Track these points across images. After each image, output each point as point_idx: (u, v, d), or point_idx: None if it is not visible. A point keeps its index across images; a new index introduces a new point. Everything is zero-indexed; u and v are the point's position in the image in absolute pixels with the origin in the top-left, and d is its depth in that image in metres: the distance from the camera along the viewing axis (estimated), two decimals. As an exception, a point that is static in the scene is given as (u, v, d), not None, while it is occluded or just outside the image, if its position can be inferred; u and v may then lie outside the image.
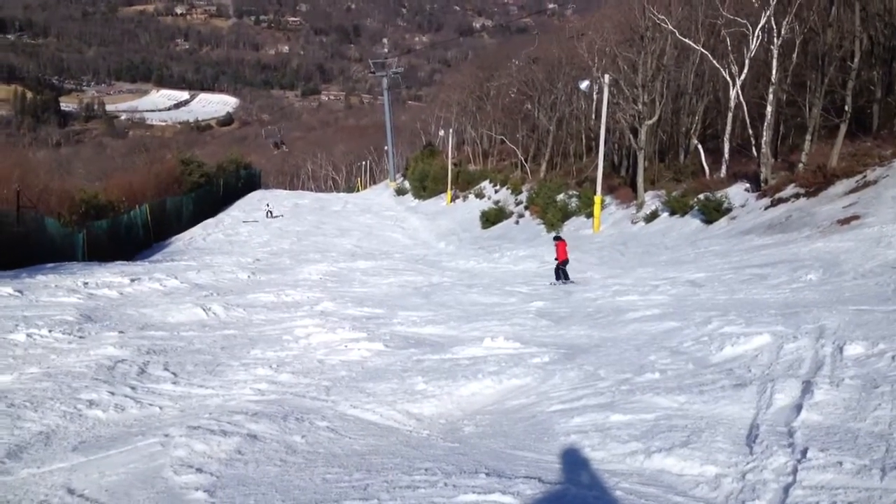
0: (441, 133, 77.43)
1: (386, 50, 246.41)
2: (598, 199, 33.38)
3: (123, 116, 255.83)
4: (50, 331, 10.96)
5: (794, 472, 4.81)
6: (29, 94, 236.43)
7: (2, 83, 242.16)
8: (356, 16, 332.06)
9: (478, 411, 7.62)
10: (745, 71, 29.56)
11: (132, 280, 17.36)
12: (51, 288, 15.49)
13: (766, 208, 24.53)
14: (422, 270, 22.52)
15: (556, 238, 20.57)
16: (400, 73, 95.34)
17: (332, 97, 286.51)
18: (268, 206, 50.91)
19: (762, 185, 26.55)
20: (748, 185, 27.72)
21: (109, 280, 17.12)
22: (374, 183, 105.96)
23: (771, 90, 27.33)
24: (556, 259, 19.63)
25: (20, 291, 14.51)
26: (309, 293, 17.04)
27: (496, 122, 63.13)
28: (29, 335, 10.58)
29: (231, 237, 39.76)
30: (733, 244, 21.30)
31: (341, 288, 18.57)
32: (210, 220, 47.04)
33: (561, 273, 19.40)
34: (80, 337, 10.95)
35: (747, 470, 4.97)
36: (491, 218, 44.75)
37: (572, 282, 18.89)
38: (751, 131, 28.62)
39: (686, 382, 7.24)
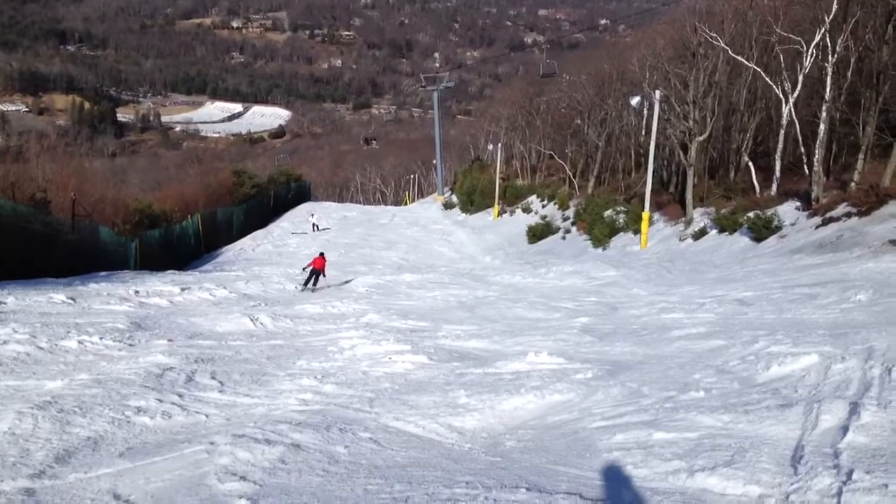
0: (490, 147, 77.49)
1: (437, 64, 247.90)
2: (645, 215, 33.13)
3: (178, 128, 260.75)
4: (101, 338, 11.19)
5: (839, 493, 4.73)
6: (87, 105, 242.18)
7: (60, 93, 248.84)
8: (409, 30, 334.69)
9: (520, 426, 7.62)
10: (799, 88, 29.17)
11: (182, 289, 17.66)
12: (103, 296, 15.83)
13: (816, 227, 24.13)
14: (467, 284, 22.56)
15: (321, 254, 23.17)
16: (451, 87, 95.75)
17: (382, 111, 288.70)
18: (312, 216, 51.14)
19: (813, 203, 26.13)
20: (799, 203, 27.31)
21: (160, 289, 17.44)
22: (422, 196, 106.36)
23: (824, 108, 26.91)
24: (310, 267, 22.27)
25: (73, 299, 14.85)
26: (355, 305, 17.18)
27: (545, 137, 63.05)
28: (80, 342, 10.82)
29: (280, 248, 40.19)
30: (782, 263, 20.98)
31: (387, 300, 18.69)
32: (260, 232, 47.66)
33: (311, 279, 22.01)
34: (131, 345, 11.17)
35: (791, 491, 4.90)
36: (537, 233, 44.61)
37: (310, 290, 21.63)
38: (803, 149, 28.21)
39: (731, 401, 7.16)
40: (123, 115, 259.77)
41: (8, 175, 26.05)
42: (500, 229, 52.85)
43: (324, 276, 22.50)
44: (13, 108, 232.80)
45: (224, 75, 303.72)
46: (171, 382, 9.00)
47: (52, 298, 14.62)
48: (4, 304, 13.62)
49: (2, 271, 18.21)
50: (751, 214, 27.69)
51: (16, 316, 12.64)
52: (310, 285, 21.84)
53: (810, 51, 28.03)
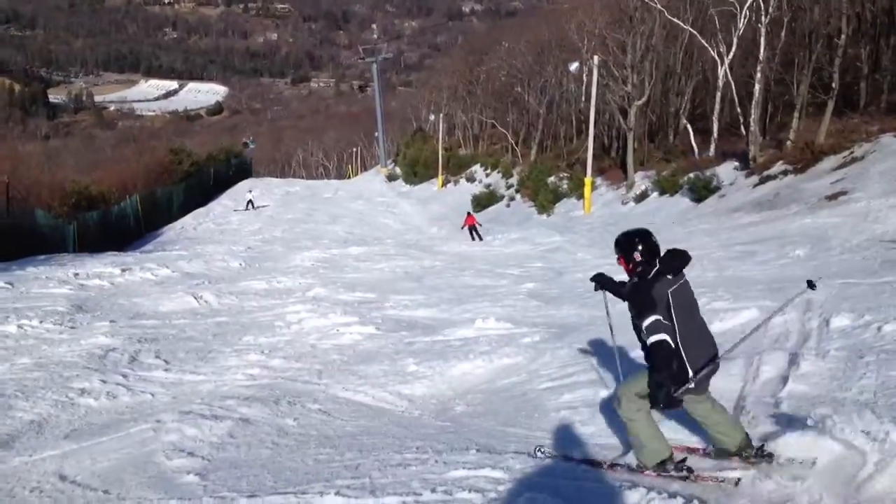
0: (431, 118, 77.15)
1: (375, 36, 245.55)
2: (588, 180, 33.40)
3: (112, 107, 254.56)
4: (41, 322, 10.93)
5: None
6: (17, 87, 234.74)
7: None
8: (345, 2, 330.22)
9: (469, 391, 7.68)
10: (734, 50, 29.56)
11: (123, 270, 17.29)
12: (41, 279, 15.44)
13: (754, 186, 24.59)
14: (413, 255, 22.51)
15: (469, 213, 32.52)
16: (389, 58, 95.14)
17: (321, 84, 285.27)
18: (250, 193, 49.94)
19: (751, 163, 26.60)
20: (737, 163, 27.76)
21: (100, 270, 17.05)
22: (366, 169, 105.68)
23: (759, 68, 27.32)
24: (468, 225, 30.52)
25: (11, 283, 14.45)
26: (301, 279, 17.02)
27: (486, 107, 63.05)
28: (20, 326, 10.55)
29: (222, 226, 39.68)
30: (722, 222, 21.38)
31: (333, 274, 18.55)
32: (201, 210, 46.90)
33: (475, 233, 29.62)
34: (72, 327, 10.93)
35: (734, 440, 5.00)
36: (482, 202, 44.80)
37: (480, 239, 28.50)
38: (739, 110, 28.64)
39: (675, 358, 7.27)
40: (55, 96, 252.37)
41: (-65, 162, 25.22)
42: (445, 199, 52.89)
43: (479, 225, 30.60)
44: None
45: (157, 52, 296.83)
46: (115, 363, 8.84)
47: (-13, 284, 14.24)
48: (-63, 292, 13.22)
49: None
50: (690, 176, 28.12)
51: (-50, 303, 12.29)
52: (476, 238, 28.70)
53: (744, 12, 28.37)
